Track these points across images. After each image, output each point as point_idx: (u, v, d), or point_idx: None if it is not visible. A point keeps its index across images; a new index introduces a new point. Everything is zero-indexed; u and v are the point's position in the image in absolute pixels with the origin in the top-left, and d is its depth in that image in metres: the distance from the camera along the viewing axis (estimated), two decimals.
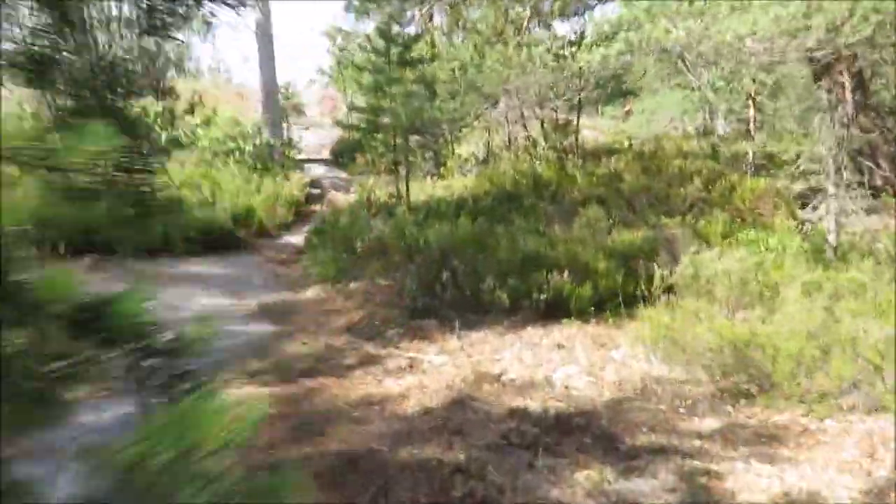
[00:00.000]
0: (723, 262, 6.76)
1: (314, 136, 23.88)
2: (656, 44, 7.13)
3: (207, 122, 13.42)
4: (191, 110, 16.26)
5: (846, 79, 8.61)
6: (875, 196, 9.91)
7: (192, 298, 6.90)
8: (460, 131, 11.08)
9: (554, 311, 6.42)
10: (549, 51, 9.44)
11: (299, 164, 16.24)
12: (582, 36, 10.40)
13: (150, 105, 12.62)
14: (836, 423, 4.35)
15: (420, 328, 6.00)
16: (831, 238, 8.06)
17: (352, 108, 10.86)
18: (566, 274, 6.67)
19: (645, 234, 8.62)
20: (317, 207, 14.36)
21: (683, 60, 12.08)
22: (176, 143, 12.24)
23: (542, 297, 6.36)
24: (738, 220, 9.95)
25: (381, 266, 7.57)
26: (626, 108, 23.87)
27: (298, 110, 19.66)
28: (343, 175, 17.39)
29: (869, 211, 9.44)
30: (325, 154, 20.94)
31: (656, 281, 7.03)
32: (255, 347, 5.58)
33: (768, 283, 6.46)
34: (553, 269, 6.74)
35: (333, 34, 19.64)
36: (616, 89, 19.02)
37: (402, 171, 10.66)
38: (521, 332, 6.02)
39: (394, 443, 3.86)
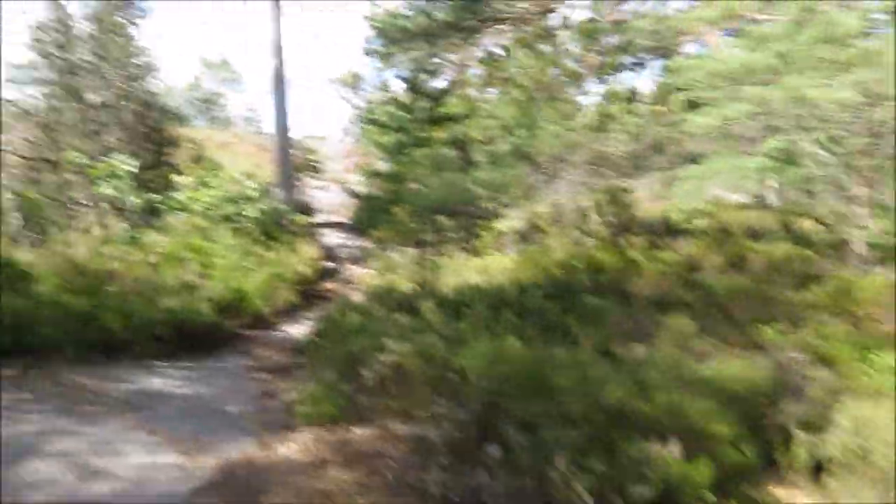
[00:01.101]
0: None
1: (334, 196, 22.02)
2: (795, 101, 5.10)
3: (203, 182, 11.52)
4: (196, 161, 14.44)
5: None
6: None
7: (120, 452, 4.78)
8: (503, 207, 8.98)
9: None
10: (630, 111, 7.44)
11: (312, 231, 14.29)
12: (665, 91, 8.37)
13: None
14: None
15: None
16: None
17: (369, 173, 8.88)
18: (669, 439, 4.47)
19: (753, 358, 6.39)
20: (331, 285, 12.34)
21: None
22: (155, 209, 10.31)
23: (643, 488, 4.14)
24: (854, 329, 7.70)
25: (400, 405, 5.41)
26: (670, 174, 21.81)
27: (315, 167, 17.80)
28: (364, 244, 15.40)
29: None
30: (345, 216, 19.03)
31: (798, 450, 4.83)
32: None
33: None
34: (649, 431, 4.54)
35: (350, 82, 17.85)
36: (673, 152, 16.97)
37: (430, 254, 8.60)
38: None
39: None
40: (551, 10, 7.73)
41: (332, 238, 15.91)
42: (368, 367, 5.73)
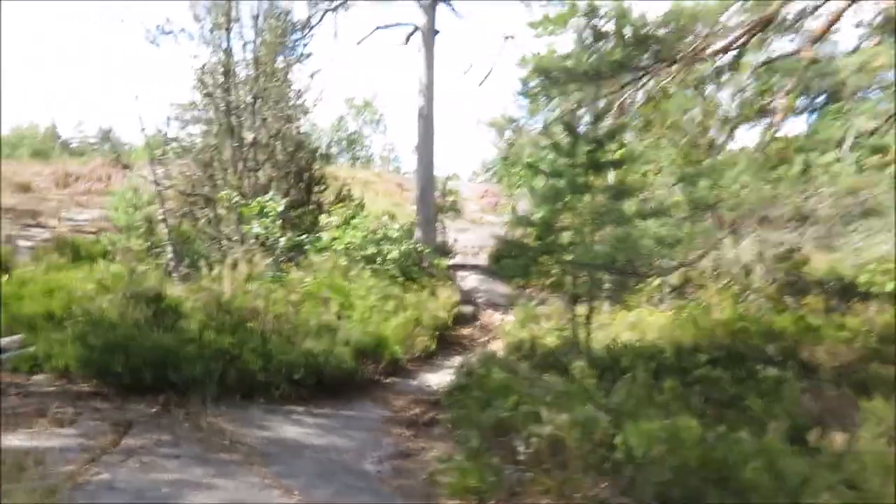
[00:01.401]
0: None
1: (472, 236, 21.74)
2: None
3: (347, 222, 11.46)
4: (339, 201, 14.55)
5: None
6: None
7: None
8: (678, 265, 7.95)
9: None
10: (837, 159, 6.51)
11: (451, 273, 13.95)
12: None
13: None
14: None
15: None
16: None
17: (519, 221, 8.37)
18: None
19: None
20: (467, 331, 11.88)
21: None
22: (300, 247, 10.27)
23: None
24: None
25: (556, 484, 4.76)
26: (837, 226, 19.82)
27: (455, 209, 17.58)
28: (502, 289, 14.88)
29: None
30: (483, 258, 18.62)
31: None
32: None
33: None
34: None
35: (501, 125, 17.58)
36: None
37: (583, 308, 7.93)
38: None
39: None
40: (730, 49, 6.98)
41: (469, 281, 15.52)
42: (520, 437, 5.13)
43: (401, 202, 26.89)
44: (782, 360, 7.76)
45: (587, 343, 7.86)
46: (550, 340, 9.43)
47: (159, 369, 6.61)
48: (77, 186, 19.73)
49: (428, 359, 9.79)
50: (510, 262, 7.57)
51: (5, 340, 7.58)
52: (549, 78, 6.63)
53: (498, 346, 10.91)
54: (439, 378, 8.92)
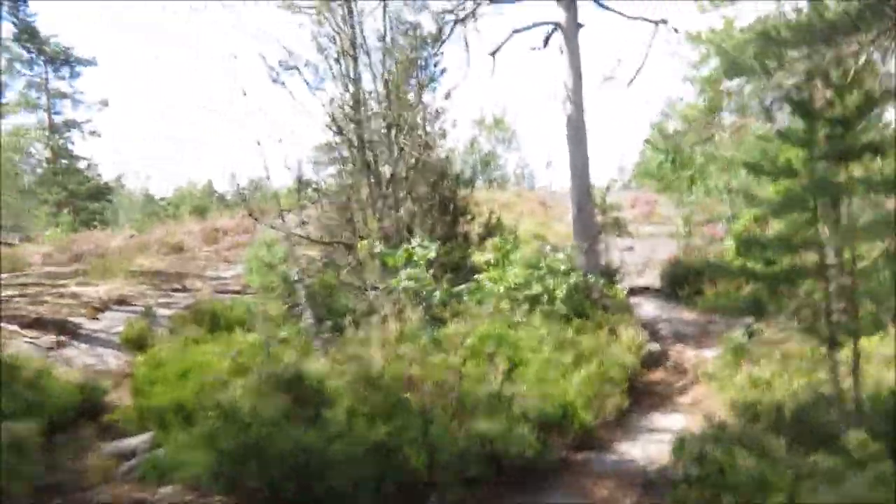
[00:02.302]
0: None
1: (632, 253, 19.51)
2: None
3: (505, 257, 9.86)
4: (488, 233, 13.01)
5: None
6: None
7: None
8: None
9: None
10: None
11: (627, 303, 11.96)
12: None
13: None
14: None
15: None
16: None
17: (745, 244, 6.36)
18: None
19: None
20: (657, 375, 9.88)
21: None
22: (456, 295, 8.73)
23: None
24: None
25: None
26: None
27: (620, 224, 15.51)
28: (686, 314, 12.71)
29: None
30: (650, 276, 16.38)
31: None
32: None
33: None
34: None
35: (689, 119, 15.27)
36: None
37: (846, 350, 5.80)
38: None
39: None
40: None
41: (646, 308, 13.45)
42: None
43: (546, 221, 25.05)
44: None
45: (858, 401, 5.70)
46: (779, 387, 7.32)
47: (302, 478, 5.27)
48: (224, 241, 19.57)
49: (620, 419, 7.94)
50: (735, 295, 5.72)
51: (135, 441, 6.62)
52: (773, 42, 4.75)
53: (701, 393, 8.88)
54: (642, 448, 7.08)
